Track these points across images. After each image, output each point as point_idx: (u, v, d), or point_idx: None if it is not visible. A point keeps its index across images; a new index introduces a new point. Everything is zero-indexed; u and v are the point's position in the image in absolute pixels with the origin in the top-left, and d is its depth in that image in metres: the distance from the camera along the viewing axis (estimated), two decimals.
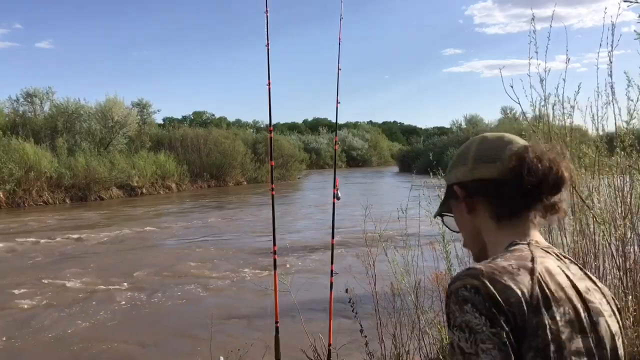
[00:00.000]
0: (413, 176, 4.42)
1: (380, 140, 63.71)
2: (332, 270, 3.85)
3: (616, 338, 0.97)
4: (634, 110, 3.18)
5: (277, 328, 3.58)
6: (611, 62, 3.24)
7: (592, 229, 3.25)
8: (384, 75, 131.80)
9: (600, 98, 3.38)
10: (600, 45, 3.21)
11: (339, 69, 4.18)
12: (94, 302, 7.59)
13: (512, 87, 3.30)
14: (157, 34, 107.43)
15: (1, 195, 19.78)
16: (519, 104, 3.38)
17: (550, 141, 3.42)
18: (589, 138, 3.71)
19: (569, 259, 1.04)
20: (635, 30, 2.78)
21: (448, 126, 57.89)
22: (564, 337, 0.90)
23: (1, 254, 11.18)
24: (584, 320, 0.93)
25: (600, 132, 3.47)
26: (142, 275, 9.10)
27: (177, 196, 25.63)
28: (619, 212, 3.22)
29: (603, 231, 3.02)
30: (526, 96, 3.43)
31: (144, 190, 25.23)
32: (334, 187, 3.73)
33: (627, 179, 3.29)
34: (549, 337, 0.88)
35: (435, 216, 1.25)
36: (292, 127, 65.14)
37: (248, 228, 14.49)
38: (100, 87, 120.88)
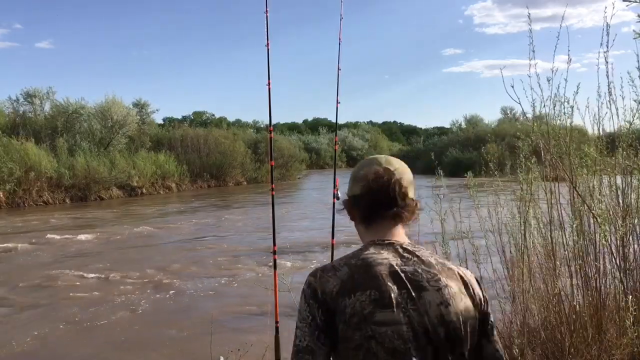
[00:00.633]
0: (415, 176, 4.41)
1: (380, 140, 63.77)
2: None
3: (442, 307, 1.24)
4: (636, 110, 3.18)
5: (277, 328, 3.58)
6: (607, 62, 3.24)
7: (592, 229, 3.25)
8: (384, 75, 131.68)
9: (600, 98, 3.37)
10: (601, 45, 3.21)
11: (339, 69, 4.17)
12: (93, 302, 7.59)
13: (512, 87, 3.30)
14: (157, 34, 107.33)
15: (1, 195, 19.78)
16: (519, 103, 3.38)
17: (550, 141, 3.42)
18: (589, 138, 3.70)
19: (414, 252, 1.32)
20: (634, 30, 2.78)
21: (448, 126, 58.04)
22: (366, 312, 1.22)
23: (22, 251, 11.19)
24: (393, 298, 1.23)
25: (600, 132, 3.46)
26: (142, 275, 9.10)
27: (177, 196, 25.64)
28: (619, 212, 3.21)
29: (604, 231, 3.01)
30: (527, 97, 3.42)
31: (144, 190, 25.23)
32: (334, 187, 3.73)
33: (628, 179, 3.28)
34: (353, 312, 1.22)
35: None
36: (292, 127, 65.16)
37: (248, 228, 14.49)
38: (100, 87, 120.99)
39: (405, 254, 1.32)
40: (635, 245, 3.19)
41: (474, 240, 3.68)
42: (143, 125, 32.00)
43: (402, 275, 1.26)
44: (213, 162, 30.52)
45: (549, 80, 3.31)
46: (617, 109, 3.30)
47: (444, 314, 1.25)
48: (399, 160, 1.46)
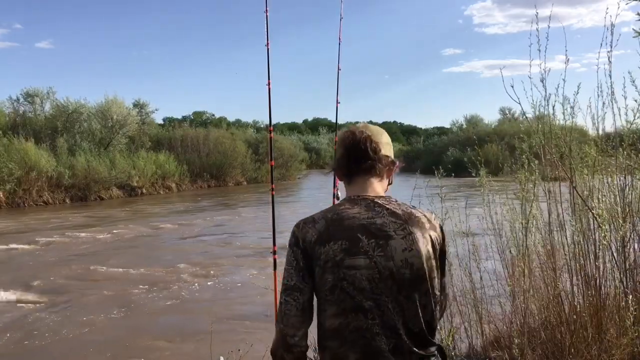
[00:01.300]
0: (417, 175, 4.40)
1: None
2: None
3: (407, 252, 1.44)
4: (637, 110, 3.17)
5: None
6: (610, 62, 3.23)
7: (592, 229, 3.25)
8: (384, 75, 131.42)
9: (600, 98, 3.37)
10: (601, 45, 3.20)
11: (339, 69, 4.17)
12: (92, 302, 7.59)
13: (512, 87, 3.30)
14: (157, 34, 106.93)
15: (1, 195, 19.78)
16: (519, 103, 3.37)
17: (550, 141, 3.42)
18: (589, 138, 3.70)
19: (384, 205, 1.50)
20: (633, 29, 2.78)
21: (448, 126, 58.02)
22: (337, 258, 1.44)
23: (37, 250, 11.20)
24: (361, 247, 1.43)
25: (600, 132, 3.46)
26: (142, 274, 9.10)
27: (177, 196, 25.64)
28: (620, 212, 3.21)
29: (604, 231, 3.01)
30: (527, 97, 3.42)
31: (144, 190, 25.24)
32: (334, 187, 3.73)
33: (628, 179, 3.28)
34: (327, 258, 1.44)
35: None
36: (292, 127, 65.15)
37: (248, 228, 14.49)
38: (100, 87, 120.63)
39: (376, 208, 1.50)
40: (636, 245, 3.19)
41: (475, 240, 3.68)
42: (143, 125, 32.00)
43: (371, 227, 1.46)
44: (213, 162, 30.52)
45: (542, 81, 3.32)
46: (618, 108, 3.30)
47: (408, 258, 1.45)
48: (378, 127, 1.65)
